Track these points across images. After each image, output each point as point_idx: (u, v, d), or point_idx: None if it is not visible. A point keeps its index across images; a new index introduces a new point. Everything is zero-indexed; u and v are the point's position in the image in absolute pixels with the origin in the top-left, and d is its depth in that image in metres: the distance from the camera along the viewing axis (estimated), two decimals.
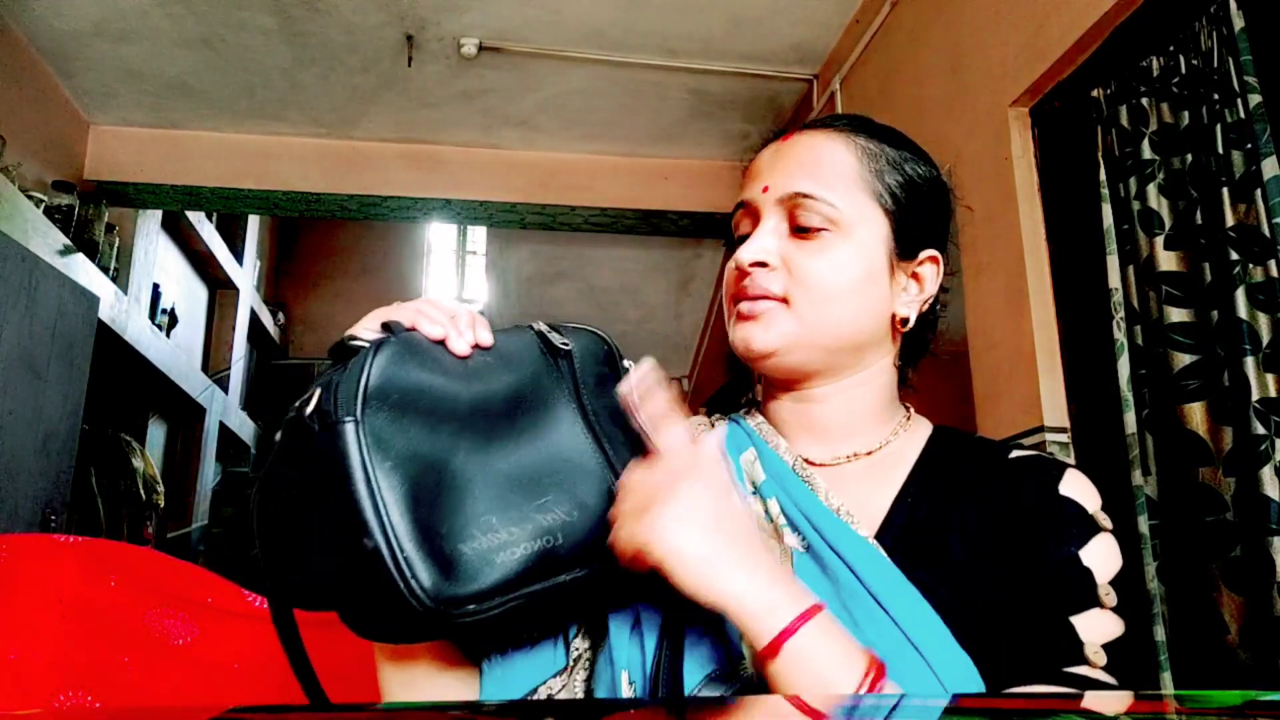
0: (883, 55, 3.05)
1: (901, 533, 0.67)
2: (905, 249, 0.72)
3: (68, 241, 3.64)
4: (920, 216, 0.73)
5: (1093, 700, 0.52)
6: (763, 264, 0.70)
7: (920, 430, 0.76)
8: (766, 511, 0.69)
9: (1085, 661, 0.59)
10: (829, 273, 0.69)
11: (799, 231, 0.70)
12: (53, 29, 3.34)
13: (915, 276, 0.74)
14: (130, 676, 0.99)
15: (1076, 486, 0.68)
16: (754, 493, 0.71)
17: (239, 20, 3.26)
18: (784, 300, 0.70)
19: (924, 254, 0.74)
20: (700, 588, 0.54)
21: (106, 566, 1.04)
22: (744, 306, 0.71)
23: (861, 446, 0.73)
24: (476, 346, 0.61)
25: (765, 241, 0.71)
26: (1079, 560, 0.63)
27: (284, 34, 3.34)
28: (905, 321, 0.73)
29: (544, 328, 0.65)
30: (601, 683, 0.64)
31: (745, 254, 0.71)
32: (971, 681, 0.59)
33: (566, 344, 0.63)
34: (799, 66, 3.56)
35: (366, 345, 0.57)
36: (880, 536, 0.66)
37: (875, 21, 3.05)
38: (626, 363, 0.65)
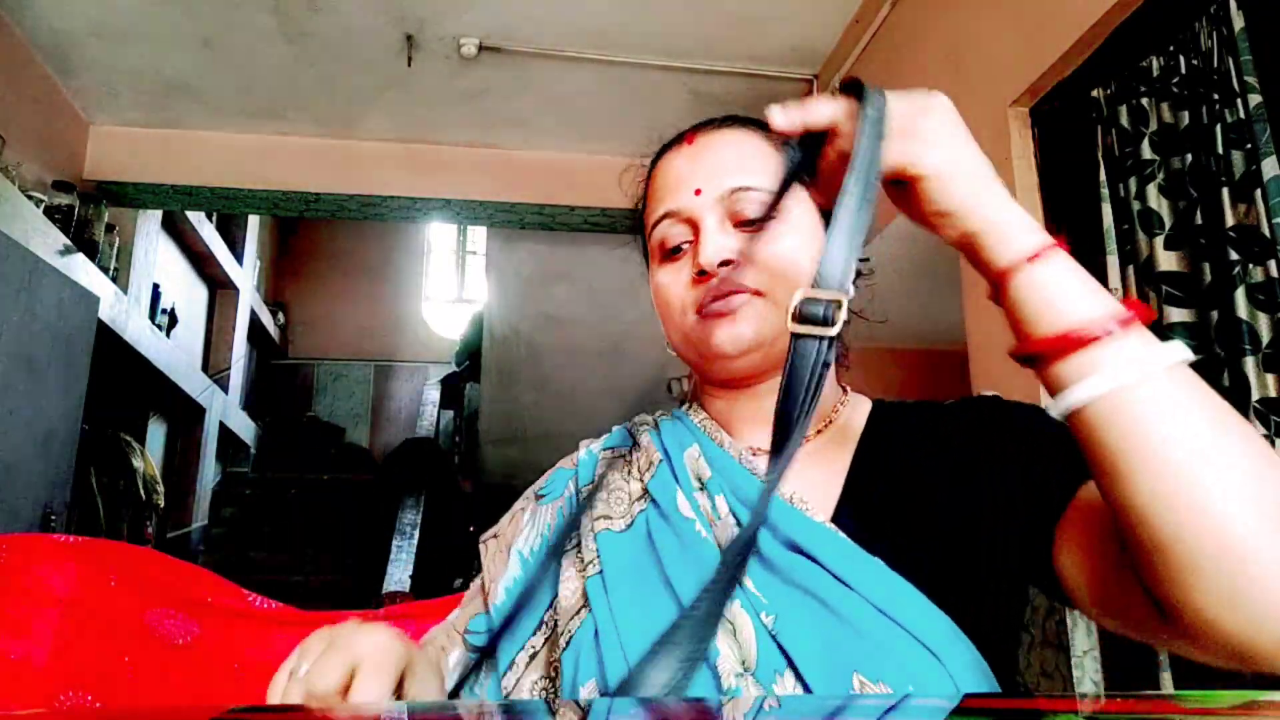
0: (883, 55, 3.05)
1: (861, 510, 0.66)
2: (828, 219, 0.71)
3: (68, 241, 3.64)
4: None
5: (1092, 701, 0.52)
6: (728, 262, 0.69)
7: (860, 406, 0.77)
8: (714, 508, 0.68)
9: None
10: (792, 256, 0.69)
11: (745, 225, 0.70)
12: (52, 29, 3.34)
13: None
14: (130, 676, 0.99)
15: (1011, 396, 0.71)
16: (701, 489, 0.70)
17: (238, 20, 3.26)
18: (757, 293, 0.69)
19: None
20: (969, 199, 0.55)
21: (106, 566, 1.04)
22: (717, 306, 0.69)
23: (809, 428, 0.72)
24: None
25: (721, 240, 0.69)
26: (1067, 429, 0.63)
27: (283, 34, 3.34)
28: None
29: None
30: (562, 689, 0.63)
31: (708, 255, 0.69)
32: (955, 638, 0.58)
33: None
34: (799, 66, 3.56)
35: None
36: (837, 518, 0.66)
37: (875, 21, 3.05)
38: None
